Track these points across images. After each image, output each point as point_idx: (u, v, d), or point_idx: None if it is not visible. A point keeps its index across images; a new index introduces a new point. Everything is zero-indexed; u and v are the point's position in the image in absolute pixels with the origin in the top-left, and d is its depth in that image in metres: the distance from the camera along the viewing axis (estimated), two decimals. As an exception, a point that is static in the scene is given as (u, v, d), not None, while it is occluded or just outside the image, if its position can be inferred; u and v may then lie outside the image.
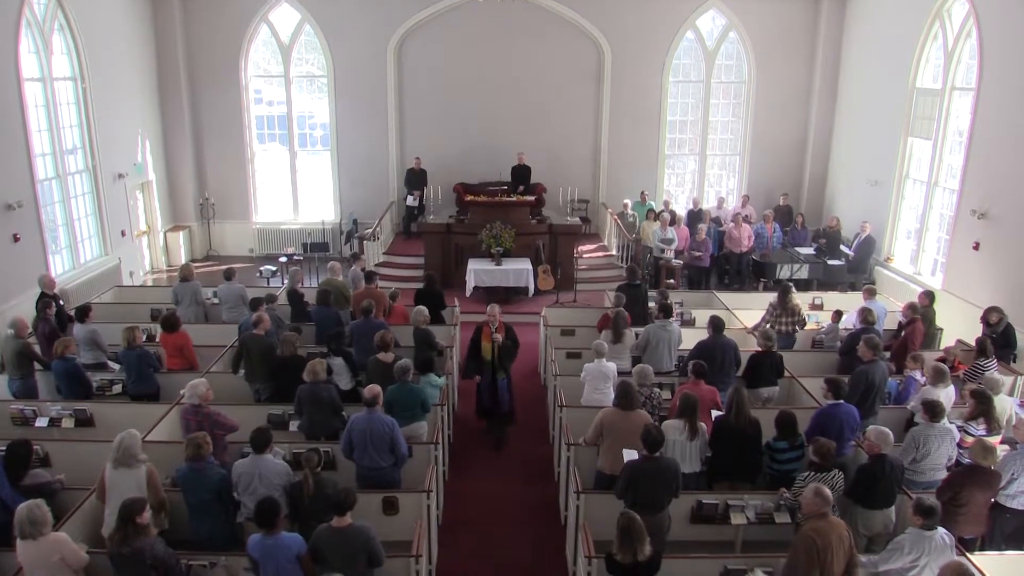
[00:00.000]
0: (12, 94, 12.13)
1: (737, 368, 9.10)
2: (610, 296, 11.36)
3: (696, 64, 18.39)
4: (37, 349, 9.40)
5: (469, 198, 16.12)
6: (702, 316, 11.19)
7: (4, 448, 6.71)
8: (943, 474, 7.13)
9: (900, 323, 10.43)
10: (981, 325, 10.04)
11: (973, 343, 9.60)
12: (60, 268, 13.49)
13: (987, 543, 6.77)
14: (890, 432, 6.56)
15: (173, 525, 6.54)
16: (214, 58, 17.48)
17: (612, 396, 8.21)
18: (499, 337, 9.09)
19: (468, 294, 14.56)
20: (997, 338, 9.62)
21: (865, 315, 9.86)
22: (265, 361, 8.84)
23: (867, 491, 6.47)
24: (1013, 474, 6.59)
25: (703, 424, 7.25)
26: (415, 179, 17.53)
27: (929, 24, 14.07)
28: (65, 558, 5.39)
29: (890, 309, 11.61)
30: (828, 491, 5.51)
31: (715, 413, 7.67)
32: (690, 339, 9.76)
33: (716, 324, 9.09)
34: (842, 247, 15.56)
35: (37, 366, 9.18)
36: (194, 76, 17.56)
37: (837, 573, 5.42)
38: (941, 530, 5.57)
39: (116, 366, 9.68)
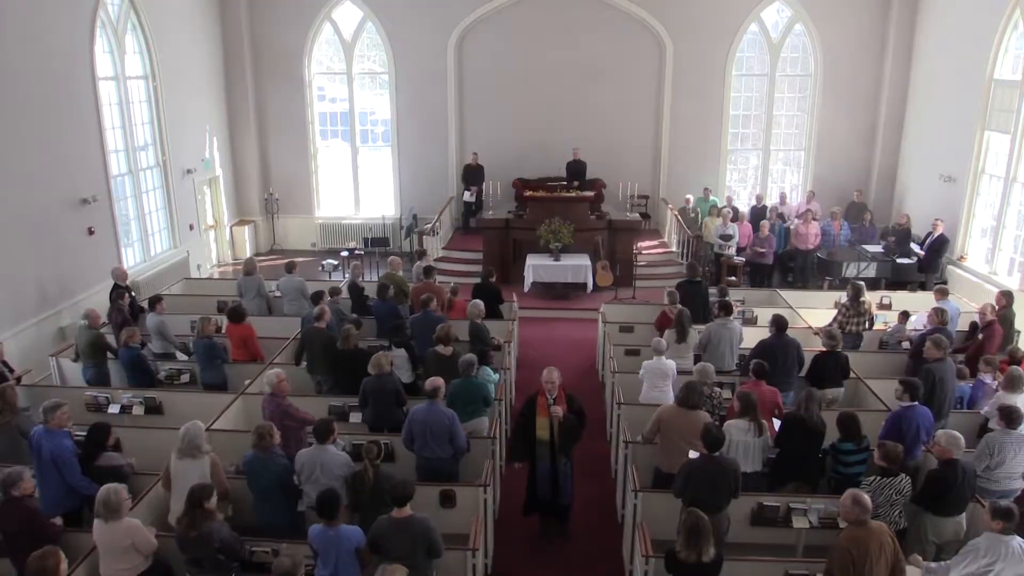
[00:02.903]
0: (88, 93, 12.59)
1: (800, 368, 8.89)
2: (665, 294, 11.20)
3: (760, 57, 18.01)
4: (111, 339, 9.74)
5: (528, 193, 16.11)
6: (764, 314, 10.98)
7: (81, 434, 6.97)
8: (1019, 483, 6.89)
9: (974, 324, 10.05)
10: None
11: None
12: (132, 260, 13.96)
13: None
14: (961, 436, 6.32)
15: (238, 512, 6.71)
16: (279, 55, 17.85)
17: (670, 394, 8.14)
18: (559, 411, 6.97)
19: (526, 289, 14.57)
20: None
21: (937, 315, 9.51)
22: (327, 354, 8.99)
23: (938, 498, 6.24)
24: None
25: (766, 423, 7.11)
26: (472, 175, 17.63)
27: (1009, 12, 13.47)
28: (136, 543, 5.58)
29: (963, 310, 11.20)
30: (867, 498, 5.32)
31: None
32: (752, 338, 9.56)
33: (779, 323, 8.88)
34: (912, 245, 15.04)
35: (110, 355, 9.51)
36: (259, 73, 17.96)
37: None
38: (1019, 538, 5.35)
39: (183, 356, 9.98)
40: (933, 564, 5.64)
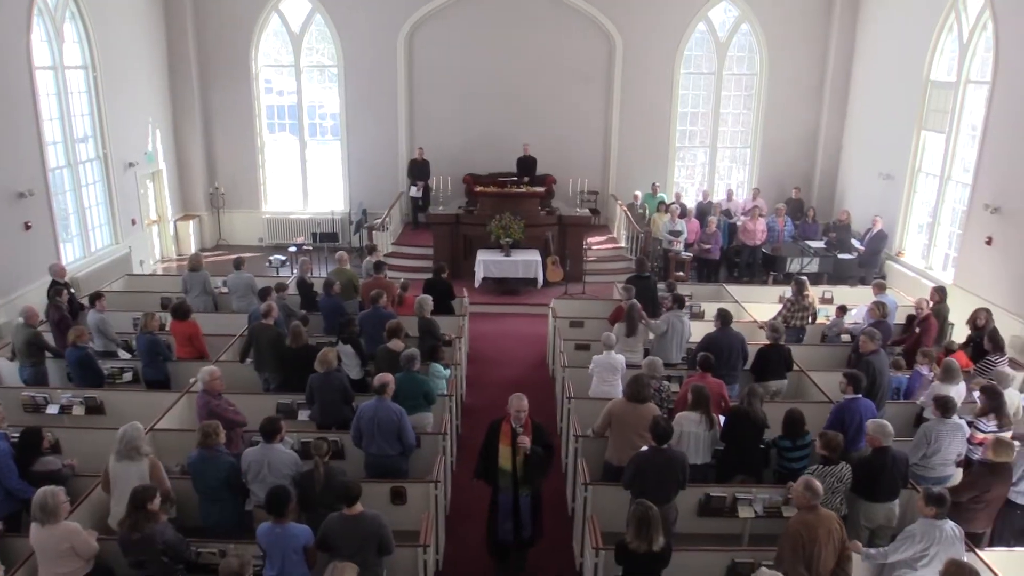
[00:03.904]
0: (24, 82, 12.17)
1: (744, 362, 9.09)
2: (619, 288, 11.33)
3: (708, 56, 18.31)
4: (48, 337, 9.45)
5: (478, 189, 16.10)
6: (711, 309, 11.17)
7: (16, 435, 6.77)
8: (952, 469, 7.14)
9: (911, 317, 10.39)
10: (968, 327, 9.90)
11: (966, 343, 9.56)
12: (71, 256, 13.56)
13: (994, 539, 6.76)
14: (889, 424, 6.54)
15: (183, 512, 6.59)
16: (225, 47, 17.49)
17: (620, 388, 8.22)
18: (526, 441, 6.34)
19: (477, 285, 14.56)
20: (981, 341, 9.36)
21: (878, 309, 9.80)
22: (274, 350, 8.87)
23: (869, 484, 6.45)
24: (1024, 470, 6.57)
25: (716, 416, 7.25)
26: (418, 170, 17.57)
27: (945, 16, 13.96)
28: (75, 547, 5.43)
29: (901, 303, 11.56)
30: (818, 484, 5.50)
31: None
32: (699, 331, 9.75)
33: (724, 317, 9.06)
34: (853, 241, 15.49)
35: (48, 354, 9.23)
36: (204, 65, 17.57)
37: (827, 566, 5.42)
38: (951, 522, 5.56)
39: (125, 354, 9.75)
40: (872, 550, 5.83)
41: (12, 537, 6.03)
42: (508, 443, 6.42)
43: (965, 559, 5.51)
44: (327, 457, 6.33)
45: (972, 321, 9.81)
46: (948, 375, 7.95)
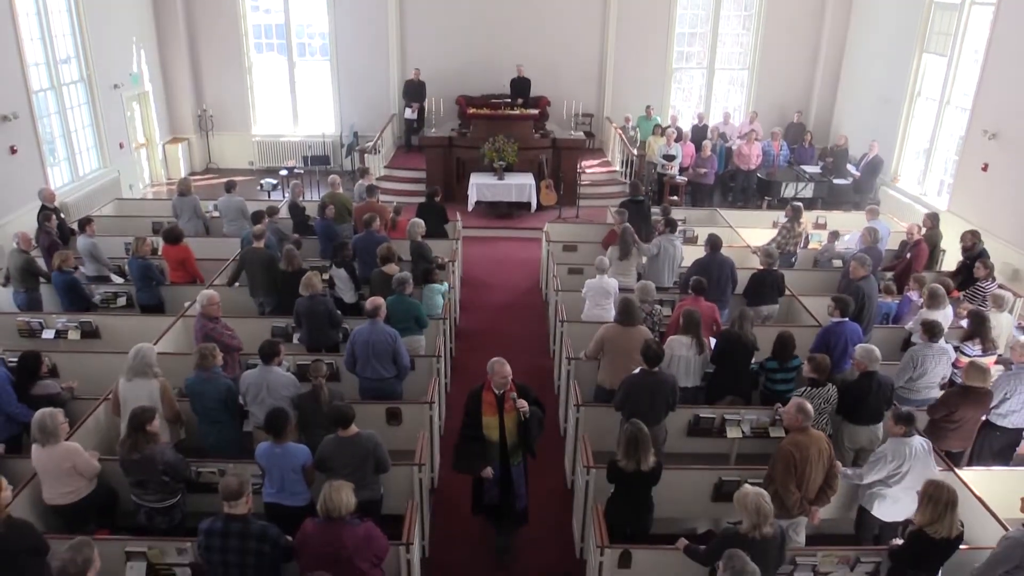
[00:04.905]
0: (2, 0, 11.76)
1: (734, 286, 9.14)
2: (613, 212, 11.29)
3: (707, -28, 17.77)
4: (42, 263, 9.43)
5: (471, 111, 15.84)
6: (705, 233, 11.15)
7: (14, 360, 6.81)
8: (937, 392, 7.26)
9: (903, 243, 10.42)
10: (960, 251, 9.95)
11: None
12: (59, 181, 13.38)
13: (974, 458, 6.95)
14: (876, 349, 6.64)
15: (189, 435, 6.69)
16: (208, -38, 16.87)
17: (613, 312, 8.29)
18: (524, 405, 5.79)
19: (470, 208, 14.50)
20: (972, 265, 9.42)
21: (870, 235, 9.83)
22: (266, 274, 8.88)
23: (854, 407, 6.59)
24: (1007, 394, 6.71)
25: (706, 340, 7.34)
26: (414, 91, 17.21)
27: (951, -68, 13.53)
28: (77, 466, 5.55)
29: (893, 230, 11.57)
30: (810, 406, 5.62)
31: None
32: (692, 256, 9.75)
33: (714, 242, 9.08)
34: (849, 166, 15.38)
35: (42, 279, 9.22)
36: (188, -19, 16.99)
37: (816, 484, 5.60)
38: (918, 437, 5.72)
39: (118, 279, 9.74)
40: (849, 470, 6.00)
41: (14, 459, 6.13)
42: (493, 413, 5.86)
43: (936, 471, 5.73)
44: (325, 378, 6.41)
45: (962, 244, 9.86)
46: (935, 300, 8.03)
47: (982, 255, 9.44)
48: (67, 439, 5.69)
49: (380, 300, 7.16)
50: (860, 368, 6.60)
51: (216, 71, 17.76)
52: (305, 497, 5.52)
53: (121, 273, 9.80)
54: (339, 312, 8.18)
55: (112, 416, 6.57)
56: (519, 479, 6.09)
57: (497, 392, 5.82)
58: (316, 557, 4.53)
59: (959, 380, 7.12)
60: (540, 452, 6.53)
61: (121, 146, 15.43)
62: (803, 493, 5.57)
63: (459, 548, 6.56)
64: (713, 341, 7.54)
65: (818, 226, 12.42)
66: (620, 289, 8.79)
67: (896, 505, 5.79)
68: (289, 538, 4.76)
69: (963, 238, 9.86)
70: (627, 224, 9.86)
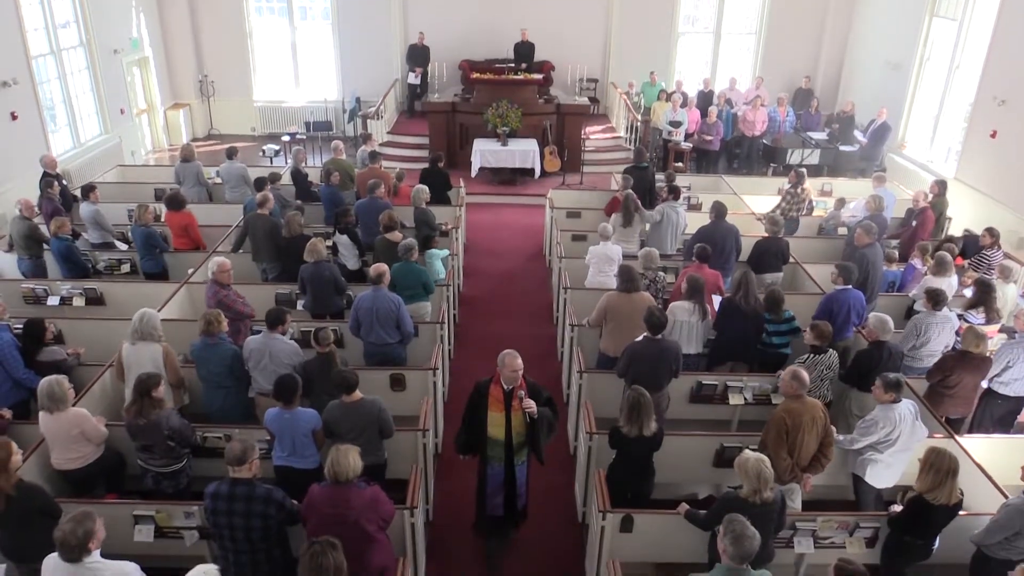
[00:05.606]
0: (-2, -38, 11.62)
1: (738, 254, 9.12)
2: (617, 179, 11.22)
3: (714, -66, 17.45)
4: (45, 229, 9.43)
5: (475, 76, 15.69)
6: (709, 201, 11.10)
7: (19, 327, 6.85)
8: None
9: (910, 211, 10.36)
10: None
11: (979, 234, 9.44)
12: (61, 147, 13.31)
13: (975, 426, 6.98)
14: (890, 319, 6.63)
15: (193, 400, 6.75)
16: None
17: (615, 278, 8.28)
18: (532, 406, 5.34)
19: (474, 175, 14.43)
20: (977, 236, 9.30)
21: (874, 202, 9.77)
22: (271, 241, 8.87)
23: (864, 375, 6.59)
24: (1009, 362, 6.71)
25: (709, 307, 7.34)
26: (418, 55, 17.03)
27: None
28: (85, 432, 5.61)
29: (900, 197, 11.50)
30: (805, 373, 5.62)
31: (716, 298, 7.74)
32: (696, 223, 9.72)
33: (718, 210, 9.04)
34: (856, 133, 15.23)
35: (46, 246, 9.23)
36: (187, -57, 16.74)
37: (809, 451, 5.64)
38: (906, 401, 5.74)
39: (123, 245, 9.75)
40: (841, 437, 6.00)
41: (21, 424, 6.19)
42: (500, 409, 5.42)
43: (924, 433, 5.77)
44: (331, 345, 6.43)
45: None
46: (940, 268, 8.02)
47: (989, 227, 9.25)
48: (74, 405, 5.74)
49: (384, 267, 7.17)
50: (871, 337, 6.61)
51: (216, 35, 17.55)
52: (315, 460, 5.58)
53: (125, 240, 9.79)
54: (343, 279, 8.19)
55: (117, 382, 6.61)
56: (522, 480, 5.73)
57: (506, 387, 5.40)
58: (323, 520, 4.58)
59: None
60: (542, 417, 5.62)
61: (122, 112, 15.33)
62: (795, 460, 5.61)
63: (462, 512, 6.64)
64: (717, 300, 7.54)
65: (824, 193, 12.34)
66: (623, 256, 8.77)
67: (889, 470, 5.85)
68: (295, 502, 4.82)
69: (984, 236, 9.34)
70: (630, 191, 9.81)
